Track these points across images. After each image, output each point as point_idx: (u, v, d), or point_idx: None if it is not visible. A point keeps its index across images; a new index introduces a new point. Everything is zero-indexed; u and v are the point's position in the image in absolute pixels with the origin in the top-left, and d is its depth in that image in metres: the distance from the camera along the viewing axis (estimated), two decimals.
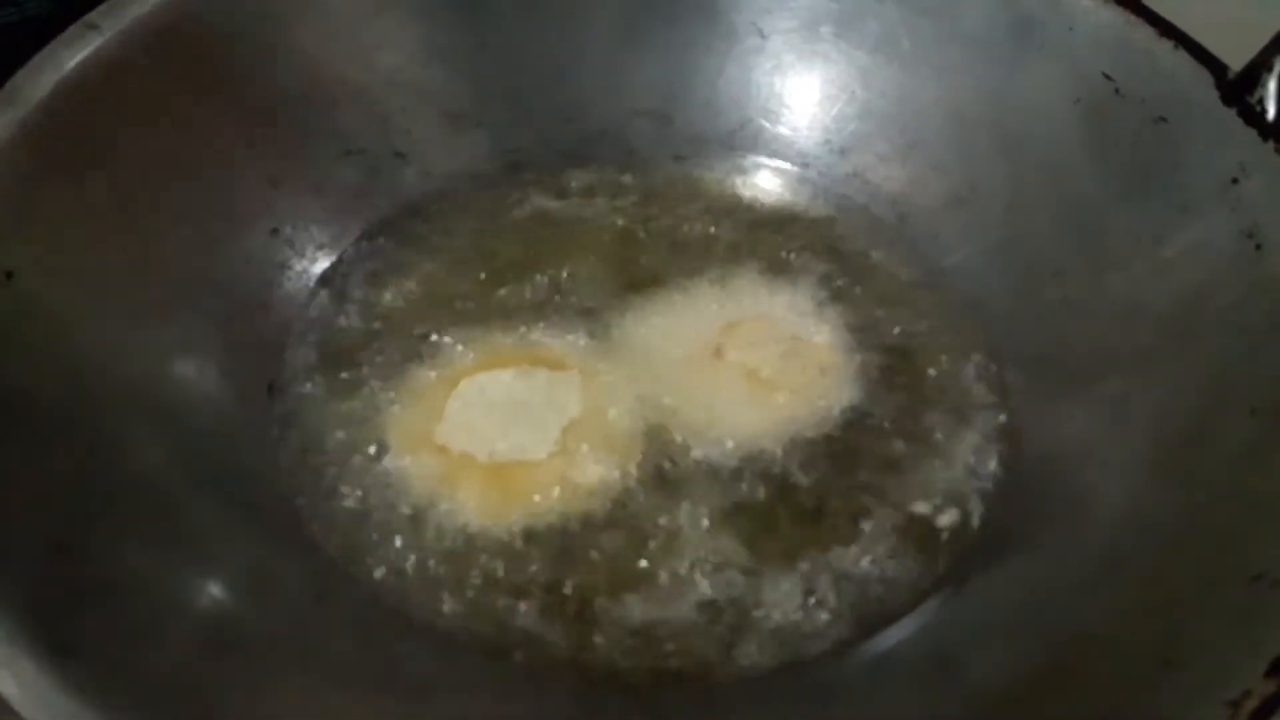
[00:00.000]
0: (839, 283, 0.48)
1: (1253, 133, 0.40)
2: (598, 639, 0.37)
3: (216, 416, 0.42)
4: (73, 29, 0.43)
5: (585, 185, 0.52)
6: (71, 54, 0.42)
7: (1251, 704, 0.25)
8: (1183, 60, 0.42)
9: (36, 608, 0.29)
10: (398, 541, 0.40)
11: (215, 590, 0.34)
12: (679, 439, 0.42)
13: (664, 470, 0.42)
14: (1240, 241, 0.39)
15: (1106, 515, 0.36)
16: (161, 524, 0.36)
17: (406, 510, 0.41)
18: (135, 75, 0.44)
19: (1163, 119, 0.43)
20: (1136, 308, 0.41)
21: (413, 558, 0.39)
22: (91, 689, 0.27)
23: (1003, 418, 0.43)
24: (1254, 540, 0.31)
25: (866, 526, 0.40)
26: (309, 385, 0.45)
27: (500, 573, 0.39)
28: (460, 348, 0.46)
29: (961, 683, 0.33)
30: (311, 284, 0.49)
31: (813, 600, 0.37)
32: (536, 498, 0.41)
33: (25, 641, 0.27)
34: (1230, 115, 0.41)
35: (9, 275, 0.38)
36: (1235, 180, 0.40)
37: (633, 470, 0.41)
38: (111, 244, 0.42)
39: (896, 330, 0.46)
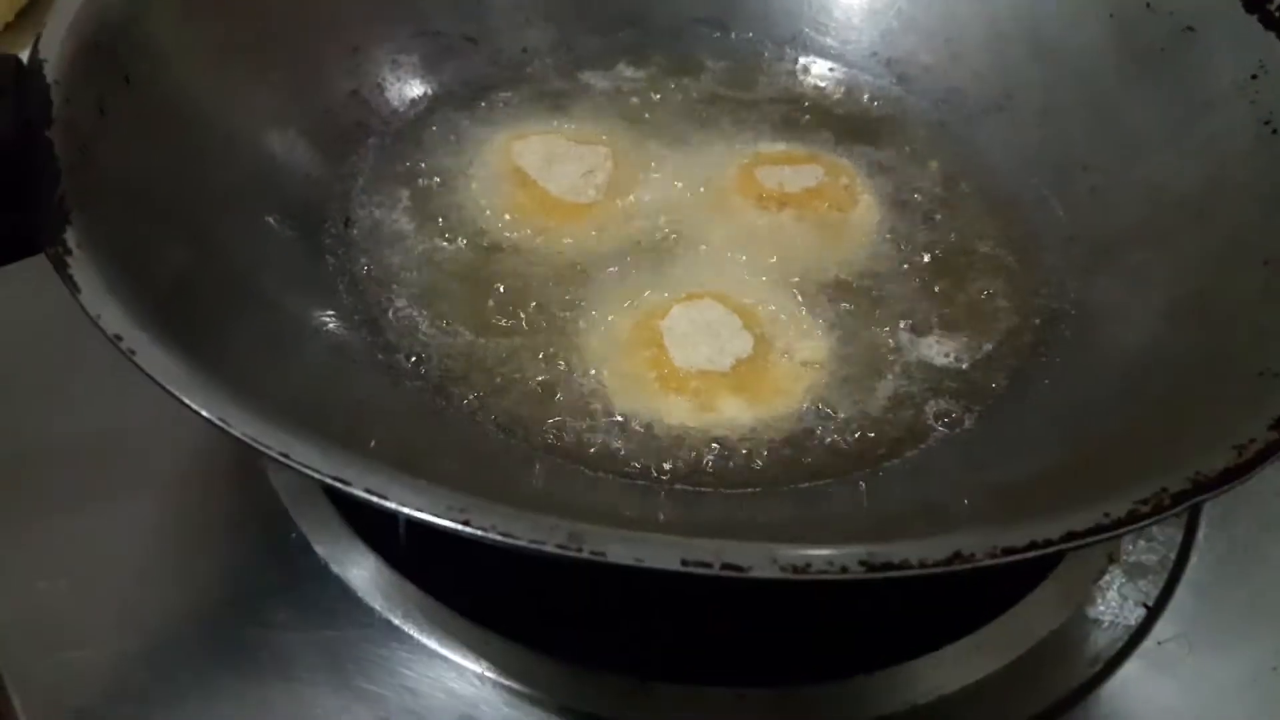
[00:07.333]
0: (879, 170, 0.51)
1: (1271, 35, 0.44)
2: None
3: (304, 233, 0.45)
4: None
5: (643, 78, 0.56)
6: None
7: (1256, 447, 0.28)
8: None
9: (166, 319, 0.32)
10: (441, 339, 0.43)
11: (313, 352, 0.37)
12: None
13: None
14: (1258, 129, 0.43)
15: (1127, 354, 0.39)
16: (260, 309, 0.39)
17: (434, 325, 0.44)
18: None
19: (1190, 28, 0.47)
20: (1159, 191, 0.45)
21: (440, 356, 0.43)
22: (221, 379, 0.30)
23: (1030, 284, 0.46)
24: (1262, 350, 0.34)
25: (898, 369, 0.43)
26: (379, 224, 0.48)
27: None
28: (507, 216, 0.49)
29: (986, 480, 0.36)
30: (383, 142, 0.52)
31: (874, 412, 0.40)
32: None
33: (156, 333, 0.30)
34: (1252, 21, 0.45)
35: (126, 79, 0.41)
36: (1255, 76, 0.44)
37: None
38: (213, 74, 0.45)
39: (935, 214, 0.49)
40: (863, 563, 0.24)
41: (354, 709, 0.38)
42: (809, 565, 0.24)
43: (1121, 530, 0.26)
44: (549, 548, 0.25)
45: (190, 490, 0.46)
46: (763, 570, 0.24)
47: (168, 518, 0.45)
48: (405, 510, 0.25)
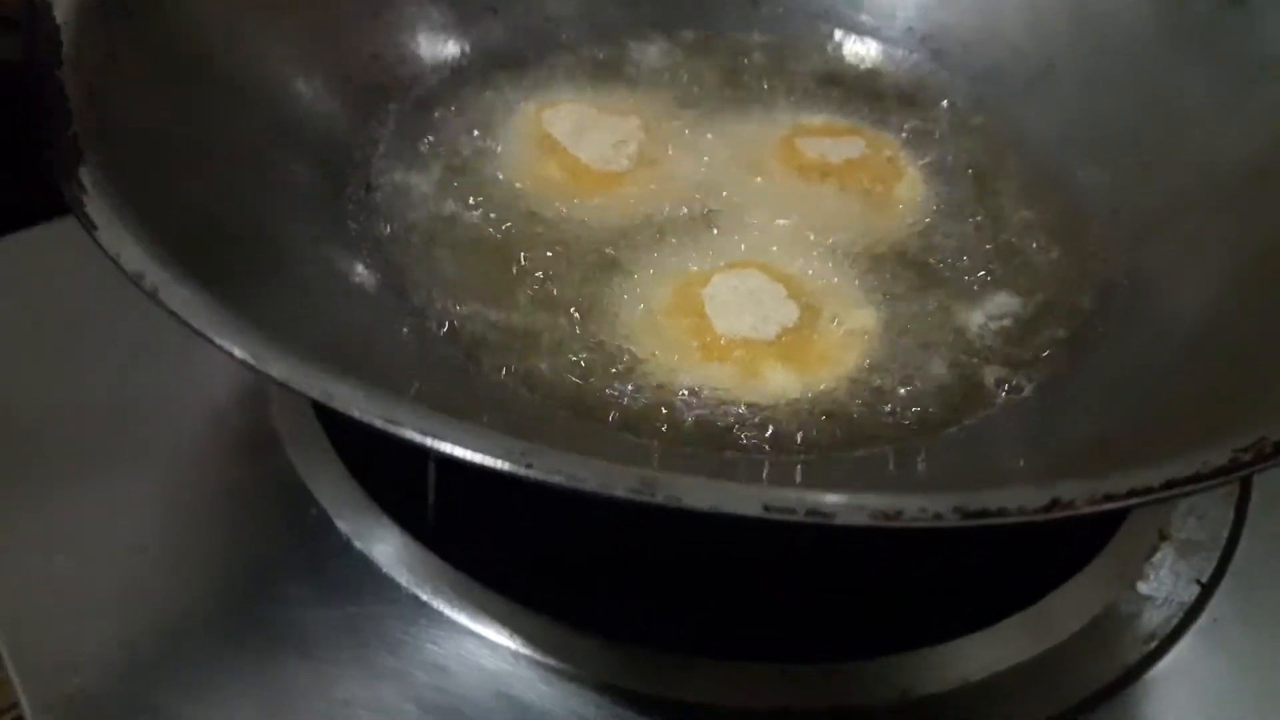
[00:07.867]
0: (920, 143, 0.50)
1: None
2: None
3: (325, 193, 0.44)
4: None
5: (669, 50, 0.55)
6: None
7: None
8: None
9: (186, 261, 0.30)
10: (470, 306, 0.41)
11: (337, 309, 0.35)
12: None
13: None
14: None
15: (1190, 318, 0.38)
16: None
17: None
18: None
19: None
20: (1212, 161, 0.44)
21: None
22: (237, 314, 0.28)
23: (1081, 254, 0.44)
24: None
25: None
26: (400, 189, 0.46)
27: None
28: (536, 184, 0.47)
29: (1050, 446, 0.35)
30: (404, 108, 0.50)
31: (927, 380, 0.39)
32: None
33: (178, 274, 0.29)
34: None
35: (136, 23, 0.39)
36: None
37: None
38: (228, 26, 0.44)
39: (978, 187, 0.48)
40: (957, 509, 0.23)
41: (379, 687, 0.36)
42: (901, 512, 0.22)
43: (1223, 479, 0.24)
44: (619, 493, 0.23)
45: (201, 464, 0.44)
46: (850, 517, 0.23)
47: (177, 492, 0.43)
48: (462, 453, 0.24)
